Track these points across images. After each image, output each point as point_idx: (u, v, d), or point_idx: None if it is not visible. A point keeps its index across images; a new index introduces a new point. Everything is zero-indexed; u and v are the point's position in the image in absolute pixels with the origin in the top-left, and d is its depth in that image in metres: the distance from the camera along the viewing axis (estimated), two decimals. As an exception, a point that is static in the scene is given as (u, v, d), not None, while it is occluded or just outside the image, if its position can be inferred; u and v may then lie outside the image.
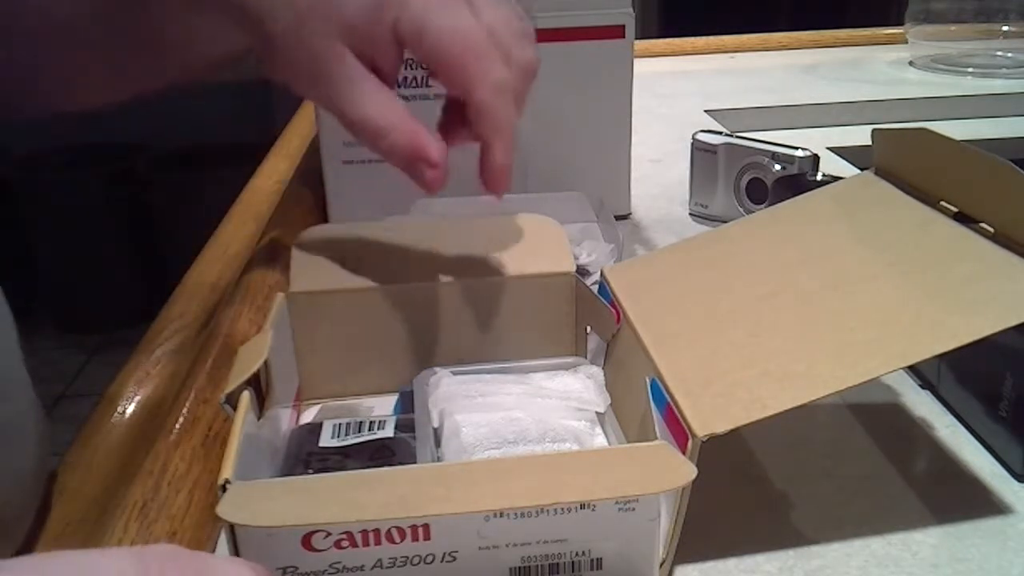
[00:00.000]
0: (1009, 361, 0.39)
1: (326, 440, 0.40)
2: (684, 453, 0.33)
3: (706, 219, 0.70)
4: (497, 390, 0.42)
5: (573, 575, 0.33)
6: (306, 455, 0.39)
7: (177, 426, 0.42)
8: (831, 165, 0.78)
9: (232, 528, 0.30)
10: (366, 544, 0.30)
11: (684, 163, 0.70)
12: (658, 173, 0.80)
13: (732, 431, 0.33)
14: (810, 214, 0.46)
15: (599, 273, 0.48)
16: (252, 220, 0.71)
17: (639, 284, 0.45)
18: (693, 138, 0.69)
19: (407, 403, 0.43)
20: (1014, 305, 0.34)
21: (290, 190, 0.72)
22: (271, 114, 2.13)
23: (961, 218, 0.39)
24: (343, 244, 0.47)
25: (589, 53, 0.63)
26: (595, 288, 0.46)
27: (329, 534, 0.30)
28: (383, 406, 0.45)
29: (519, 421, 0.40)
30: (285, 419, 0.42)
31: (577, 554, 0.32)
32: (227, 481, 0.31)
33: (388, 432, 0.40)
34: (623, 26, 0.62)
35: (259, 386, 0.37)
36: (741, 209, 0.66)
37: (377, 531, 0.30)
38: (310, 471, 0.38)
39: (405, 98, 0.58)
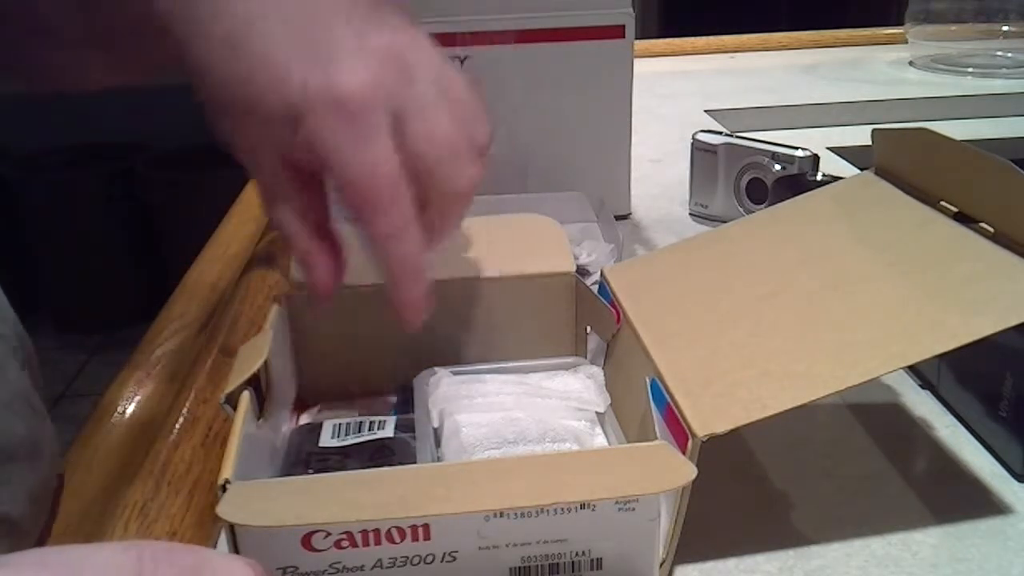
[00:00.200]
0: (1009, 361, 0.39)
1: (326, 440, 0.40)
2: (684, 453, 0.33)
3: (706, 219, 0.70)
4: (497, 390, 0.42)
5: (573, 575, 0.33)
6: (306, 455, 0.39)
7: (177, 426, 0.42)
8: (831, 165, 0.78)
9: (232, 528, 0.30)
10: (366, 544, 0.30)
11: (684, 163, 0.70)
12: (658, 173, 0.80)
13: (732, 431, 0.33)
14: (810, 214, 0.46)
15: (599, 273, 0.48)
16: (252, 220, 0.71)
17: (639, 284, 0.45)
18: (693, 138, 0.69)
19: (407, 403, 0.43)
20: (1014, 305, 0.34)
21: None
22: (271, 114, 2.12)
23: (961, 218, 0.39)
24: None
25: (589, 53, 0.63)
26: (595, 288, 0.46)
27: (329, 534, 0.30)
28: (383, 406, 0.45)
29: (519, 421, 0.40)
30: (285, 419, 0.42)
31: (577, 554, 0.32)
32: (227, 481, 0.31)
33: (388, 432, 0.40)
34: (623, 26, 0.62)
35: (259, 386, 0.37)
36: (741, 209, 0.66)
37: (377, 531, 0.30)
38: (310, 471, 0.38)
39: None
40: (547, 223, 0.49)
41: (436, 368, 0.44)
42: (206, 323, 0.55)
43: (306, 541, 0.30)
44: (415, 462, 0.38)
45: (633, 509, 0.32)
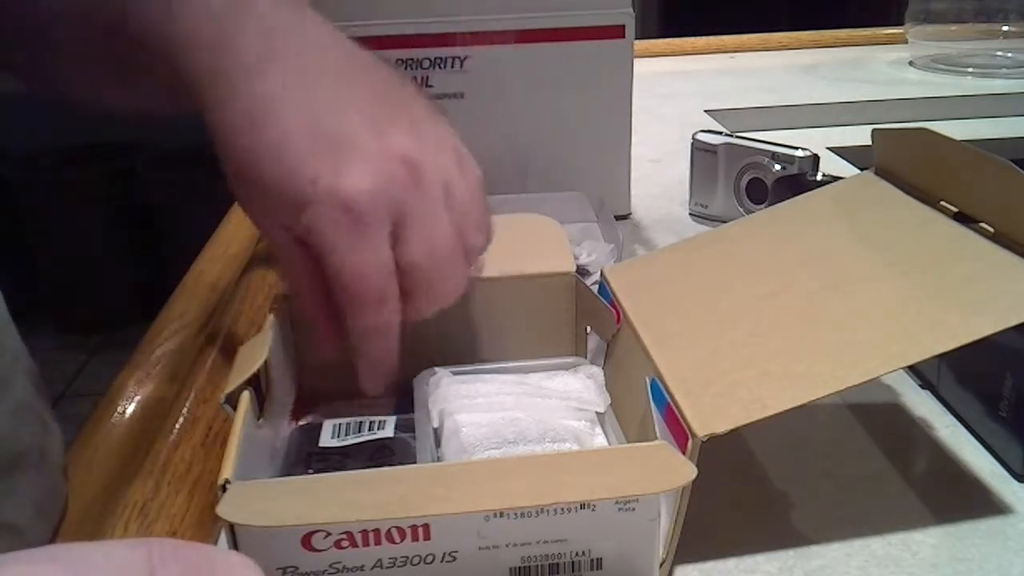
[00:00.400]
0: (1009, 361, 0.39)
1: (326, 440, 0.40)
2: (684, 453, 0.33)
3: (706, 219, 0.70)
4: (497, 390, 0.42)
5: (573, 575, 0.33)
6: (306, 455, 0.39)
7: (177, 426, 0.42)
8: (831, 165, 0.78)
9: (232, 528, 0.30)
10: (366, 544, 0.30)
11: (684, 163, 0.70)
12: (658, 173, 0.80)
13: (732, 431, 0.33)
14: (810, 214, 0.46)
15: (599, 273, 0.48)
16: (252, 220, 0.71)
17: (639, 284, 0.45)
18: (693, 138, 0.69)
19: (407, 403, 0.43)
20: (1014, 305, 0.34)
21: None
22: (271, 114, 2.12)
23: (961, 218, 0.39)
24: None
25: (589, 53, 0.63)
26: (595, 288, 0.46)
27: (329, 534, 0.30)
28: (383, 406, 0.45)
29: (519, 421, 0.40)
30: (285, 419, 0.42)
31: (577, 554, 0.32)
32: (227, 481, 0.31)
33: (388, 432, 0.40)
34: (623, 26, 0.62)
35: (259, 386, 0.37)
36: (741, 209, 0.66)
37: (377, 531, 0.30)
38: (310, 471, 0.38)
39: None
40: (547, 223, 0.49)
41: (436, 368, 0.44)
42: (206, 323, 0.55)
43: (306, 541, 0.30)
44: (415, 462, 0.38)
45: (633, 509, 0.32)
